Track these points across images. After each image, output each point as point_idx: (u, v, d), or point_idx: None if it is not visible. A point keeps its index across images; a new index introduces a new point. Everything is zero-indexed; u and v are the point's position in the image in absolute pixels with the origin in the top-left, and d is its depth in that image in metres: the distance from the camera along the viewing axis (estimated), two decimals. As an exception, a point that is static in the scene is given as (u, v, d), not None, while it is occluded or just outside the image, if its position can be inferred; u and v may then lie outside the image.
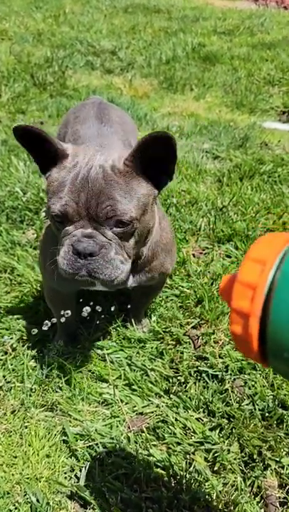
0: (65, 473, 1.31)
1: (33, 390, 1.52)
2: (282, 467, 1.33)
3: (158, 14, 6.46)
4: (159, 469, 1.29)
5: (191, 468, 1.30)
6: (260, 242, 0.57)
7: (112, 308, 1.68)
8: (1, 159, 2.74)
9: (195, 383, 1.56)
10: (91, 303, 1.49)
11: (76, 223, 1.13)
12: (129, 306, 1.75)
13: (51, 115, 3.49)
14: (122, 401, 1.51)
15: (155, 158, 1.14)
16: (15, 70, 4.23)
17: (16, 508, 1.21)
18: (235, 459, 1.35)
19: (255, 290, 0.53)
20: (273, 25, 5.99)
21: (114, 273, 1.16)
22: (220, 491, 1.26)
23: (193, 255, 2.19)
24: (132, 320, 1.75)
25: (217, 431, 1.41)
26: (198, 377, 1.59)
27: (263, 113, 3.92)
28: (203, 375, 1.58)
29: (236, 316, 0.55)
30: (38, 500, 1.21)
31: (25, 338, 1.71)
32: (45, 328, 1.40)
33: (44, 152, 1.16)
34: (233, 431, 1.41)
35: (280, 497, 1.27)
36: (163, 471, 1.28)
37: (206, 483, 1.27)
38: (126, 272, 1.21)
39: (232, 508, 1.23)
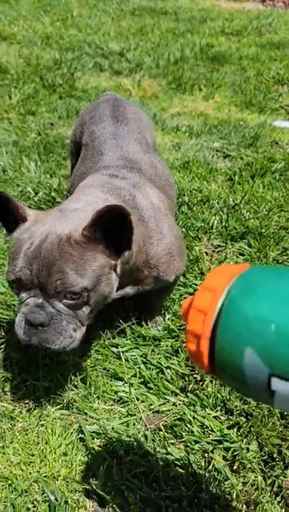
0: (83, 471, 1.29)
1: (49, 388, 1.51)
2: (303, 466, 1.30)
3: (165, 16, 6.47)
4: (177, 468, 1.27)
5: (210, 466, 1.28)
6: (213, 272, 0.66)
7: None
8: (13, 160, 2.74)
9: (211, 381, 1.54)
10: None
11: (29, 291, 1.14)
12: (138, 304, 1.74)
13: (61, 116, 3.49)
14: (137, 399, 1.49)
15: (113, 228, 1.13)
16: (24, 72, 4.25)
17: (34, 507, 1.19)
18: (254, 458, 1.32)
19: (206, 315, 0.62)
20: (281, 25, 5.97)
21: (65, 342, 1.17)
22: (240, 490, 1.24)
23: (206, 253, 2.17)
24: (146, 318, 1.74)
25: (235, 429, 1.39)
26: (215, 375, 1.57)
27: (273, 112, 3.90)
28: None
29: (191, 336, 0.64)
30: (56, 499, 1.19)
31: (39, 336, 1.70)
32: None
33: (8, 213, 1.19)
34: (252, 429, 1.39)
35: (301, 496, 1.25)
36: (182, 470, 1.26)
37: (226, 482, 1.25)
38: (79, 339, 1.22)
39: (253, 507, 1.21)
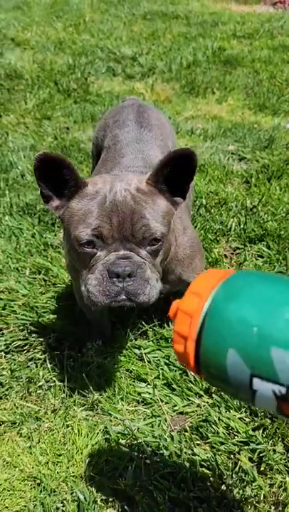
0: (110, 471, 1.30)
1: (73, 390, 1.52)
2: None
3: (176, 20, 6.50)
4: (204, 469, 1.27)
5: (237, 468, 1.28)
6: (200, 277, 0.69)
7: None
8: (31, 164, 2.78)
9: (235, 383, 1.54)
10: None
11: (108, 248, 1.12)
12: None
13: (76, 121, 3.53)
14: (161, 400, 1.50)
15: (172, 178, 1.16)
16: (39, 77, 4.30)
17: (63, 506, 1.20)
18: (281, 460, 1.32)
19: (192, 318, 0.65)
20: (293, 28, 5.96)
21: (152, 292, 1.15)
22: (267, 492, 1.24)
23: (225, 256, 2.18)
24: (168, 320, 1.75)
25: (260, 431, 1.39)
26: (238, 377, 1.57)
27: (287, 114, 3.90)
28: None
29: (178, 337, 0.67)
30: (85, 498, 1.20)
31: (62, 337, 1.72)
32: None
33: (57, 182, 1.15)
34: (277, 431, 1.39)
35: None
36: (209, 471, 1.26)
37: (253, 484, 1.25)
38: (159, 291, 1.21)
39: (281, 508, 1.21)
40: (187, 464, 1.28)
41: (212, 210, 2.42)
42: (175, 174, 1.15)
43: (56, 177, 1.14)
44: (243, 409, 1.45)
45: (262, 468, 1.29)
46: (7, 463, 1.32)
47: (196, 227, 2.27)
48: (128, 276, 1.10)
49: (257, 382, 0.58)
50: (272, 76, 4.57)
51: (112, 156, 1.64)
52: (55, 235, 2.24)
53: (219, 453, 1.33)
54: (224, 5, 7.60)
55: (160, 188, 1.18)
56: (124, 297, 1.12)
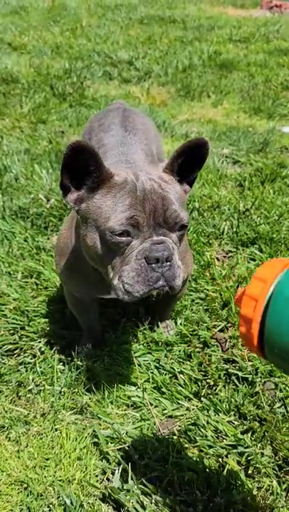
0: (97, 475, 1.30)
1: (62, 393, 1.52)
2: None
3: (173, 24, 6.54)
4: (192, 472, 1.27)
5: (225, 471, 1.28)
6: (265, 265, 0.74)
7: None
8: (25, 167, 2.78)
9: (224, 386, 1.54)
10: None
11: (142, 235, 1.12)
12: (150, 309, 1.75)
13: (71, 124, 3.54)
14: (151, 404, 1.50)
15: (182, 167, 1.20)
16: (35, 81, 4.31)
17: (50, 510, 1.20)
18: (269, 463, 1.32)
19: (257, 302, 0.71)
20: (289, 32, 5.99)
21: (182, 275, 1.16)
22: (255, 495, 1.23)
23: (218, 259, 2.18)
24: (158, 323, 1.75)
25: (249, 434, 1.39)
26: (228, 380, 1.57)
27: (282, 118, 3.91)
28: (233, 377, 1.57)
29: (243, 320, 0.73)
30: (71, 503, 1.20)
31: (53, 341, 1.72)
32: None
33: (79, 173, 1.13)
34: (266, 434, 1.39)
35: (317, 502, 1.24)
36: (196, 475, 1.26)
37: (241, 487, 1.25)
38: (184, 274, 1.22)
39: (268, 512, 1.20)
40: (175, 468, 1.28)
41: (205, 214, 2.42)
42: (185, 163, 1.19)
43: (79, 168, 1.12)
44: (232, 413, 1.45)
45: (250, 472, 1.29)
46: (-5, 467, 1.31)
47: (188, 230, 2.28)
48: (166, 260, 1.11)
49: None
50: (267, 80, 4.59)
51: None
52: (48, 239, 2.25)
53: (207, 456, 1.33)
54: (221, 9, 7.64)
55: (175, 177, 1.22)
56: (162, 283, 1.12)
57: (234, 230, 2.31)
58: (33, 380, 1.57)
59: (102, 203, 1.13)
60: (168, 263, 1.11)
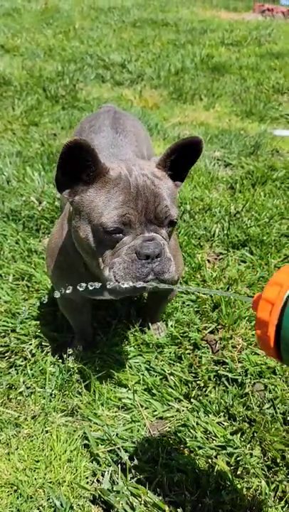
0: (87, 477, 1.30)
1: (53, 395, 1.52)
2: (306, 471, 1.31)
3: (166, 27, 6.57)
4: (181, 473, 1.28)
5: (214, 472, 1.29)
6: (282, 270, 0.76)
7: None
8: (16, 170, 2.78)
9: (215, 387, 1.56)
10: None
11: (133, 232, 1.14)
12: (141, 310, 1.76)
13: (64, 127, 3.54)
14: (141, 406, 1.51)
15: (174, 164, 1.22)
16: (27, 84, 4.32)
17: (39, 512, 1.21)
18: (258, 463, 1.33)
19: (274, 305, 0.72)
20: (281, 35, 6.05)
21: (172, 268, 1.18)
22: (244, 495, 1.24)
23: (208, 261, 2.19)
24: (149, 325, 1.76)
25: (238, 435, 1.40)
26: (218, 382, 1.58)
27: (273, 121, 3.95)
28: (223, 379, 1.58)
29: (260, 323, 0.74)
30: (61, 505, 1.20)
31: (44, 343, 1.72)
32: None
33: (74, 167, 1.15)
34: (255, 435, 1.40)
35: (305, 501, 1.26)
36: (186, 475, 1.27)
37: (230, 488, 1.26)
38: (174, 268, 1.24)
39: (256, 512, 1.22)
40: (164, 469, 1.29)
41: (196, 216, 2.44)
42: (178, 160, 1.22)
43: (74, 163, 1.14)
44: (222, 414, 1.47)
45: (238, 472, 1.30)
46: (-15, 470, 1.31)
47: (179, 232, 2.29)
48: (157, 256, 1.14)
49: None
50: (259, 83, 4.63)
51: None
52: (40, 241, 2.25)
53: (197, 457, 1.34)
54: (214, 12, 7.69)
55: (167, 173, 1.24)
56: (152, 276, 1.15)
57: (225, 232, 2.32)
58: (23, 383, 1.57)
59: (96, 197, 1.15)
60: (158, 258, 1.14)
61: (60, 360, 1.64)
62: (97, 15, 7.13)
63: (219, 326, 1.79)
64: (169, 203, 1.16)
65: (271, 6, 7.59)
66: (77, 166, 1.14)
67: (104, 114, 1.92)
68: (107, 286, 1.15)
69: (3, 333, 1.74)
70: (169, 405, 1.51)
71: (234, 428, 1.42)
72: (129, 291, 1.15)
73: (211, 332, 1.78)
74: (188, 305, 1.90)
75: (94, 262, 1.21)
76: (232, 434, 1.41)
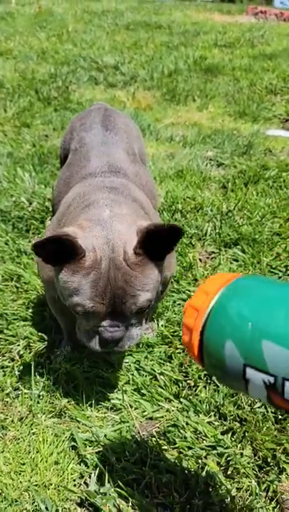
0: (74, 480, 1.27)
1: (41, 397, 1.50)
2: (298, 471, 1.28)
3: (159, 30, 6.58)
4: (170, 474, 1.25)
5: (204, 472, 1.26)
6: (211, 278, 0.78)
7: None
8: (7, 171, 2.76)
9: (205, 387, 1.53)
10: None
11: (102, 318, 1.19)
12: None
13: (55, 128, 3.53)
14: (131, 406, 1.48)
15: (158, 244, 1.17)
16: (20, 86, 4.30)
17: (24, 516, 1.17)
18: (248, 463, 1.31)
19: (199, 312, 0.74)
20: (273, 37, 6.07)
21: (136, 341, 1.26)
22: (234, 496, 1.22)
23: (200, 260, 2.17)
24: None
25: (229, 434, 1.38)
26: (209, 381, 1.56)
27: (266, 121, 3.94)
28: (213, 378, 1.55)
29: (185, 329, 0.76)
30: (46, 508, 1.17)
31: (32, 344, 1.69)
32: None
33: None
34: (246, 434, 1.37)
35: (296, 502, 1.23)
36: (174, 476, 1.24)
37: (220, 488, 1.23)
38: (143, 333, 1.32)
39: (247, 513, 1.19)
40: (153, 470, 1.26)
41: (188, 215, 2.42)
42: (157, 242, 1.16)
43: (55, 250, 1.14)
44: (212, 413, 1.44)
45: (229, 472, 1.28)
46: None
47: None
48: (116, 342, 1.22)
49: (249, 372, 0.67)
50: (252, 84, 4.63)
51: (78, 158, 1.64)
52: (30, 242, 2.23)
53: (186, 458, 1.31)
54: (207, 15, 7.72)
55: (147, 255, 1.18)
56: (111, 349, 1.24)
57: (217, 231, 2.31)
58: (10, 384, 1.54)
59: (67, 281, 1.17)
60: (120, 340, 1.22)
61: (48, 361, 1.61)
62: (90, 18, 7.14)
63: (210, 325, 1.76)
64: (138, 297, 1.16)
65: (264, 8, 7.62)
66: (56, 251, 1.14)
67: (94, 112, 1.91)
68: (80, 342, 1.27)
69: (-10, 334, 1.71)
70: (159, 405, 1.48)
71: (225, 428, 1.39)
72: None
73: (202, 331, 1.75)
74: (179, 304, 1.87)
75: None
76: (222, 433, 1.38)
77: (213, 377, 1.51)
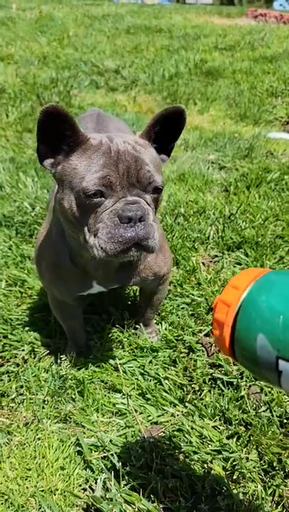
0: (80, 485, 1.28)
1: (46, 402, 1.50)
2: (304, 475, 1.28)
3: (159, 34, 6.61)
4: (176, 479, 1.25)
5: (210, 477, 1.26)
6: (240, 273, 0.79)
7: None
8: (10, 176, 2.77)
9: (210, 391, 1.53)
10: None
11: (115, 195, 1.12)
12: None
13: (58, 133, 3.54)
14: (136, 411, 1.48)
15: (159, 137, 1.22)
16: (21, 91, 4.32)
17: (30, 522, 1.18)
18: (254, 468, 1.31)
19: (230, 307, 0.75)
20: (273, 39, 6.08)
21: (157, 238, 1.16)
22: (240, 501, 1.22)
23: (203, 263, 2.18)
24: (141, 326, 1.74)
25: (234, 439, 1.38)
26: (213, 385, 1.56)
27: (268, 124, 3.95)
28: (218, 382, 1.55)
29: (216, 324, 0.78)
30: (53, 513, 1.17)
31: (36, 349, 1.70)
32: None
33: (54, 138, 1.14)
34: (251, 438, 1.37)
35: (302, 506, 1.23)
36: (180, 481, 1.24)
37: (226, 493, 1.23)
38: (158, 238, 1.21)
39: (253, 518, 1.19)
40: (159, 475, 1.26)
41: (190, 219, 2.42)
42: (162, 133, 1.22)
43: (54, 133, 1.13)
44: (218, 418, 1.44)
45: (235, 477, 1.28)
46: (-24, 479, 1.29)
47: (174, 236, 2.28)
48: (139, 220, 1.11)
49: (282, 364, 0.67)
50: (253, 86, 4.64)
51: None
52: (33, 247, 2.23)
53: (192, 462, 1.31)
54: (207, 18, 7.74)
55: (152, 143, 1.24)
56: (135, 240, 1.12)
57: (220, 234, 2.31)
58: (16, 389, 1.55)
59: (77, 164, 1.14)
60: (142, 223, 1.11)
61: (53, 366, 1.62)
62: (91, 22, 7.17)
63: (214, 329, 1.77)
64: (151, 168, 1.15)
65: (264, 10, 7.63)
66: (57, 136, 1.14)
67: (88, 118, 1.95)
68: (92, 254, 1.14)
69: (-5, 340, 1.71)
70: (164, 410, 1.48)
71: (230, 432, 1.39)
72: (112, 256, 1.12)
73: (206, 335, 1.75)
74: (182, 308, 1.88)
75: (80, 234, 1.19)
76: (228, 438, 1.38)
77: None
